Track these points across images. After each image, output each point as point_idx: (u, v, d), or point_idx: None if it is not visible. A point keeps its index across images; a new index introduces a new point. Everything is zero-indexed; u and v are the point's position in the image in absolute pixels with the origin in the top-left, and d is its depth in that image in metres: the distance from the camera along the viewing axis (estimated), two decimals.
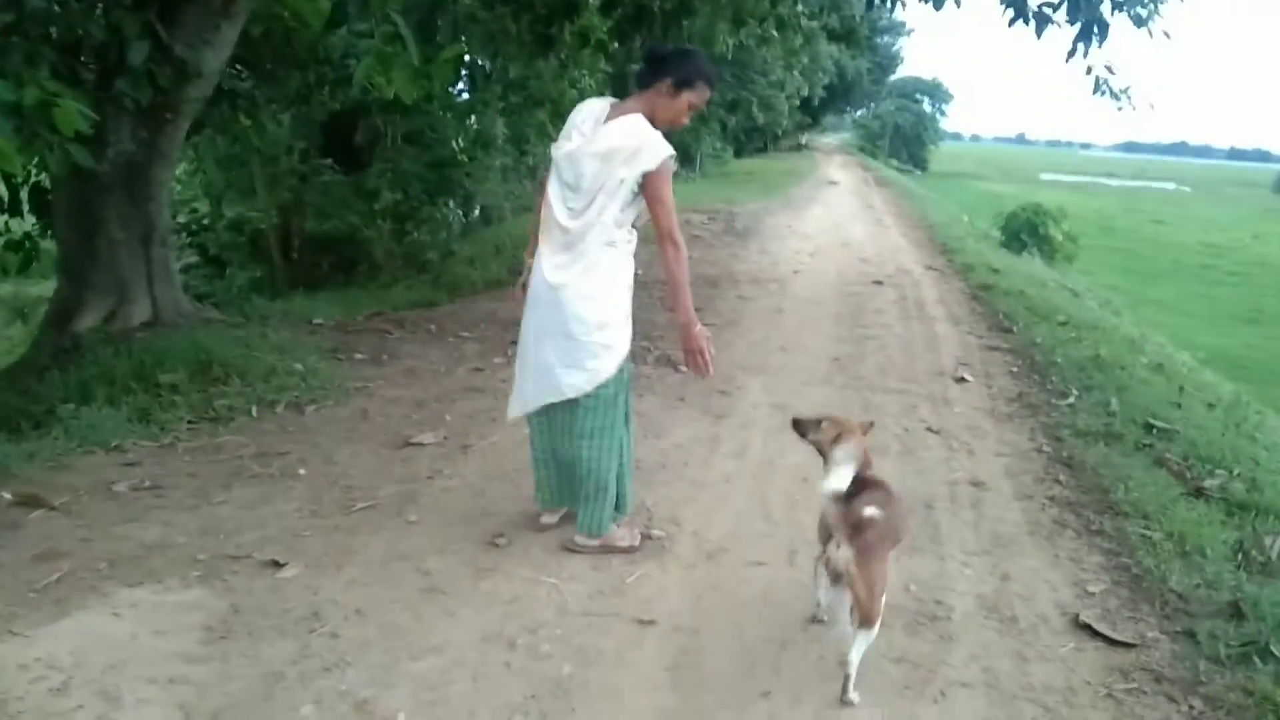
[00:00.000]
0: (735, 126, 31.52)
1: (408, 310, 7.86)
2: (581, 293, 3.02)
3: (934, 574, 3.34)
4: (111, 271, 6.12)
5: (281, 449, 4.18)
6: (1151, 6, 7.39)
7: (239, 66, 8.18)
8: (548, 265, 3.09)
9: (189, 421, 4.51)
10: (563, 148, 3.06)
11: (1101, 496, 4.11)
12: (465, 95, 12.34)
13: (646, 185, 2.98)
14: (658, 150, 2.93)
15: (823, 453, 2.86)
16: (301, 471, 3.91)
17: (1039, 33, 7.70)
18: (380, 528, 3.41)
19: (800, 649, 2.81)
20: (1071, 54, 7.70)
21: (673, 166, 3.02)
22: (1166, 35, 7.42)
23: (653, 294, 8.55)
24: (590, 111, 3.09)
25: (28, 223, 6.60)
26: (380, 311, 7.74)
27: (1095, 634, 2.96)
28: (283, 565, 3.04)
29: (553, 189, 3.09)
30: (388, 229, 12.33)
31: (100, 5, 5.41)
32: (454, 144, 12.44)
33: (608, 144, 2.94)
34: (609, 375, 3.09)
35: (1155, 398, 5.78)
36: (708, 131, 26.74)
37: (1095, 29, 7.55)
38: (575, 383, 3.07)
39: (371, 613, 2.82)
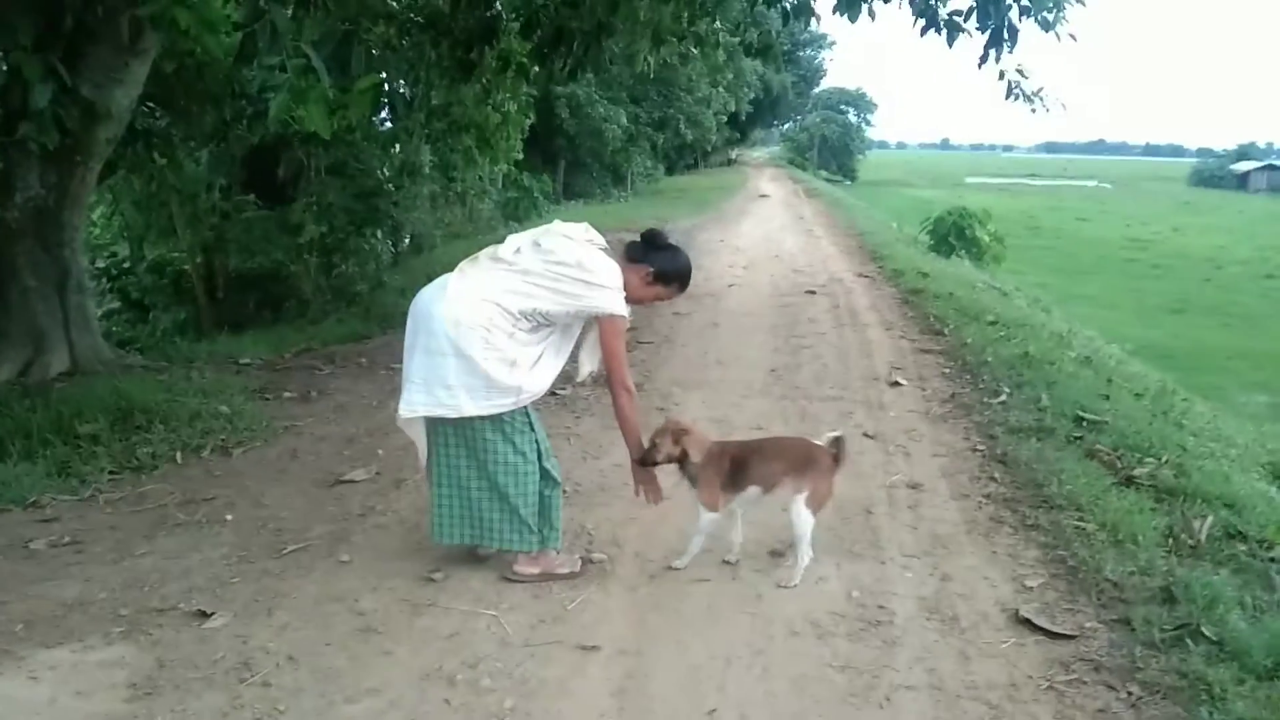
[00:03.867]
0: (665, 144, 31.77)
1: (338, 345, 7.72)
2: (452, 316, 2.98)
3: (875, 579, 3.34)
4: (26, 321, 5.93)
5: (208, 494, 4.05)
6: (1057, 11, 7.57)
7: (151, 105, 8.00)
8: (436, 282, 3.12)
9: (110, 472, 4.36)
10: (561, 229, 3.21)
11: (1036, 491, 4.16)
12: (388, 124, 12.20)
13: (600, 328, 3.17)
14: (611, 302, 3.09)
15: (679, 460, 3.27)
16: (229, 516, 3.79)
17: (950, 41, 7.86)
18: (312, 569, 3.31)
19: (744, 664, 2.78)
20: (984, 60, 7.86)
21: (624, 326, 3.18)
22: (1073, 38, 7.60)
23: None
24: (596, 238, 3.25)
25: None
26: (309, 348, 7.58)
27: (1035, 628, 2.98)
28: (210, 615, 2.93)
29: (519, 236, 3.22)
30: (314, 263, 12.12)
31: None
32: (379, 173, 12.30)
33: (594, 265, 3.08)
34: (449, 414, 3.03)
35: (1084, 391, 5.89)
36: (638, 150, 26.94)
37: (1005, 35, 7.72)
38: (412, 401, 3.03)
39: (304, 658, 2.73)
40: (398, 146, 12.22)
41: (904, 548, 3.62)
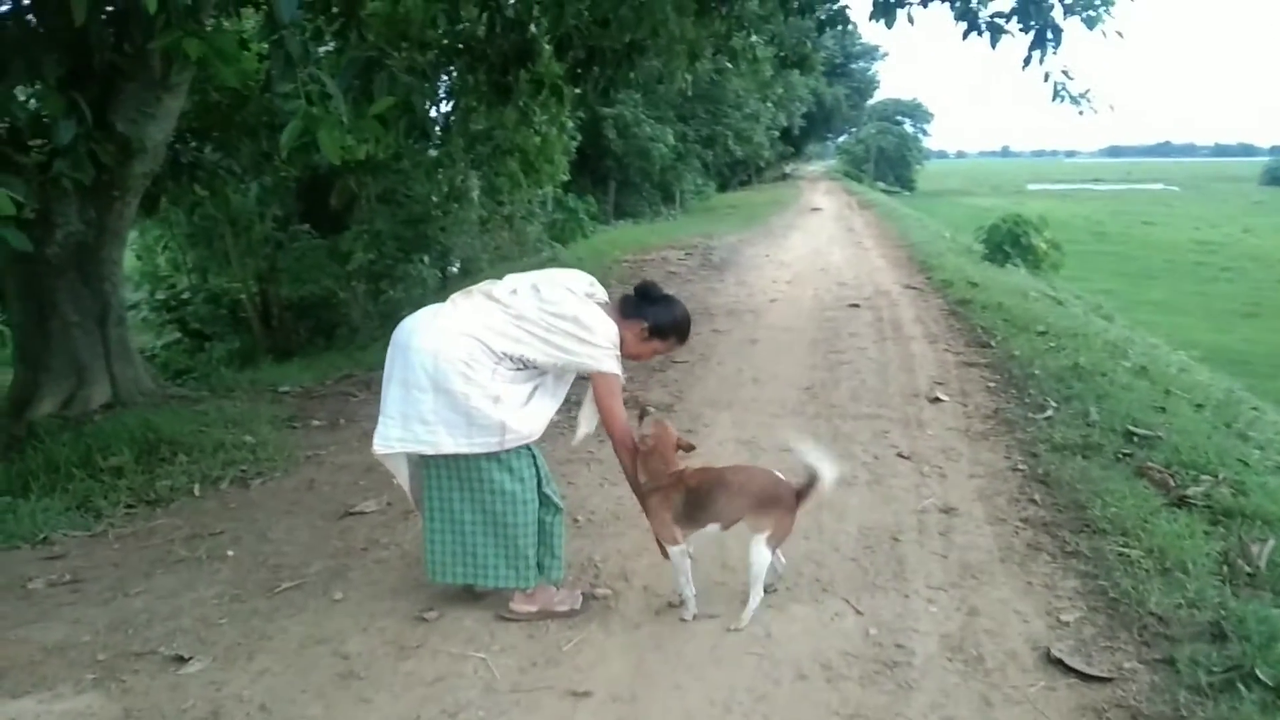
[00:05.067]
0: (715, 161, 31.63)
1: (380, 370, 7.67)
2: (430, 346, 2.85)
3: (896, 614, 3.12)
4: (67, 355, 5.99)
5: (216, 528, 3.99)
6: (1102, 8, 7.29)
7: (189, 138, 8.11)
8: (423, 311, 3.01)
9: (127, 506, 4.34)
10: (566, 282, 3.09)
11: (1078, 514, 3.89)
12: (432, 151, 12.29)
13: (594, 386, 3.05)
14: (603, 360, 2.97)
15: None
16: (230, 552, 3.71)
17: (994, 43, 7.64)
18: (302, 609, 3.20)
19: (743, 711, 2.59)
20: (1027, 62, 7.63)
21: (617, 385, 3.05)
22: (1120, 35, 7.31)
23: None
24: (599, 291, 3.16)
25: None
26: (350, 374, 7.57)
27: (1067, 669, 2.74)
28: (187, 660, 2.83)
29: (517, 276, 3.10)
30: (362, 290, 12.23)
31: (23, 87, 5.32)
32: (428, 200, 12.39)
33: (592, 321, 2.96)
34: (426, 451, 2.91)
35: (1138, 403, 5.57)
36: (687, 168, 26.85)
37: (1049, 35, 7.47)
38: (387, 436, 2.92)
39: (277, 706, 2.61)
40: (441, 172, 12.26)
41: (931, 579, 3.39)
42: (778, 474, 3.10)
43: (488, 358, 2.86)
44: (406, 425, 2.87)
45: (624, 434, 3.06)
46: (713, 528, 3.04)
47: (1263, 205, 54.18)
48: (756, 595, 3.02)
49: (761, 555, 2.96)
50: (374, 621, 3.09)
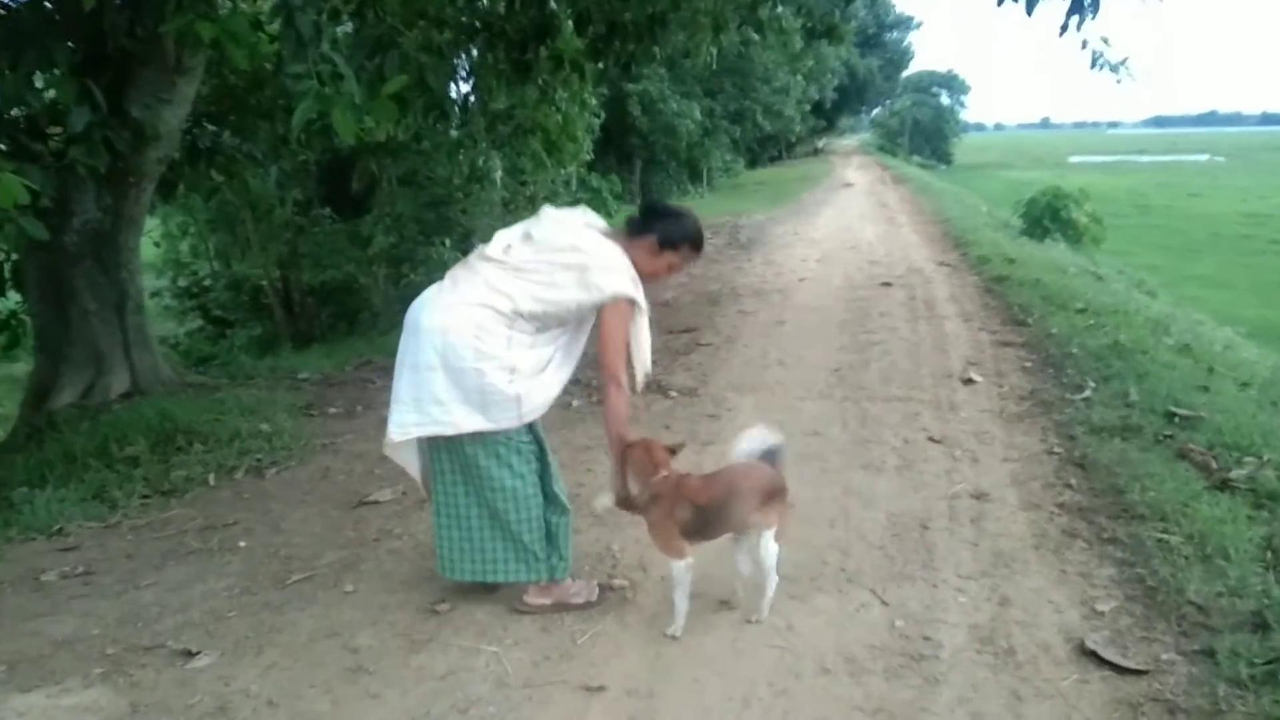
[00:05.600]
0: (744, 137, 31.28)
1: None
2: (439, 324, 2.74)
3: (924, 605, 3.00)
4: (86, 344, 5.97)
5: (229, 519, 3.94)
6: None
7: (207, 123, 8.07)
8: (429, 291, 2.89)
9: (142, 496, 4.31)
10: (553, 214, 2.97)
11: (1116, 499, 3.74)
12: (454, 132, 12.20)
13: (601, 315, 2.84)
14: (615, 282, 2.79)
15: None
16: (242, 544, 3.67)
17: (1029, 10, 7.37)
18: (313, 601, 3.14)
19: (763, 707, 2.49)
20: (1064, 29, 7.36)
21: (640, 311, 2.87)
22: (1160, 0, 7.03)
23: (650, 316, 8.29)
24: (595, 221, 3.02)
25: (12, 300, 6.50)
26: (370, 360, 7.54)
27: (1102, 661, 2.61)
28: (195, 654, 2.78)
29: (507, 230, 2.95)
30: (383, 274, 12.19)
31: (38, 74, 5.27)
32: (450, 181, 12.29)
33: (589, 246, 2.82)
34: (445, 432, 2.79)
35: (1180, 383, 5.36)
36: (715, 145, 26.55)
37: (1086, 1, 7.21)
38: (403, 421, 2.80)
39: (285, 701, 2.54)
40: (462, 153, 12.16)
41: (961, 568, 3.25)
42: (768, 466, 2.93)
43: (499, 324, 2.75)
44: (421, 408, 2.76)
45: (616, 367, 2.82)
46: (726, 537, 2.91)
47: None
48: (772, 584, 2.90)
49: (771, 548, 2.83)
50: (385, 614, 3.02)
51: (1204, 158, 76.10)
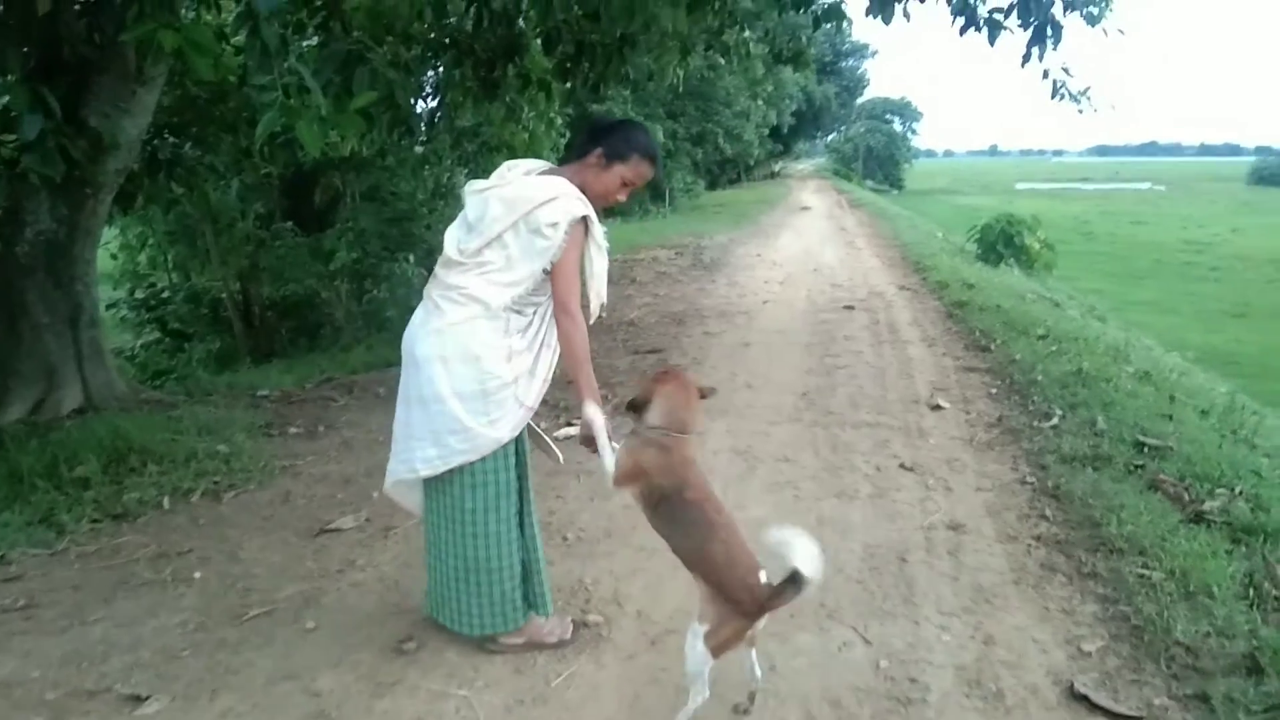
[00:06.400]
0: (705, 159, 31.41)
1: (362, 373, 7.47)
2: (435, 353, 2.63)
3: (908, 644, 2.93)
4: (38, 357, 5.76)
5: (184, 547, 3.76)
6: (1104, 4, 7.13)
7: (168, 134, 7.88)
8: (416, 317, 2.74)
9: (92, 520, 4.09)
10: (476, 185, 2.74)
11: (1093, 531, 3.71)
12: (419, 148, 12.06)
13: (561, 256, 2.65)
14: (569, 210, 2.57)
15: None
16: (197, 574, 3.49)
17: (992, 40, 7.45)
18: (272, 639, 2.98)
19: None
20: (1026, 59, 7.44)
21: (596, 233, 2.68)
22: (1121, 32, 7.15)
23: (615, 336, 8.22)
24: (523, 164, 2.80)
25: None
26: (331, 377, 7.37)
27: (1094, 706, 2.55)
28: (144, 699, 2.60)
29: (452, 227, 2.76)
30: (345, 289, 12.00)
31: None
32: (415, 197, 12.14)
33: (518, 191, 2.60)
34: (470, 458, 2.67)
35: (1145, 411, 5.41)
36: (677, 166, 26.63)
37: (1048, 31, 7.30)
38: (427, 457, 2.67)
39: None
40: (427, 169, 12.03)
41: (942, 604, 3.19)
42: (761, 571, 2.36)
43: (495, 335, 2.63)
44: (440, 441, 2.65)
45: (568, 297, 2.59)
46: (661, 533, 2.51)
47: (1250, 205, 54.41)
48: (693, 699, 2.38)
49: (695, 652, 2.32)
50: (348, 654, 2.87)
51: (1145, 186, 78.13)
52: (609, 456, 2.50)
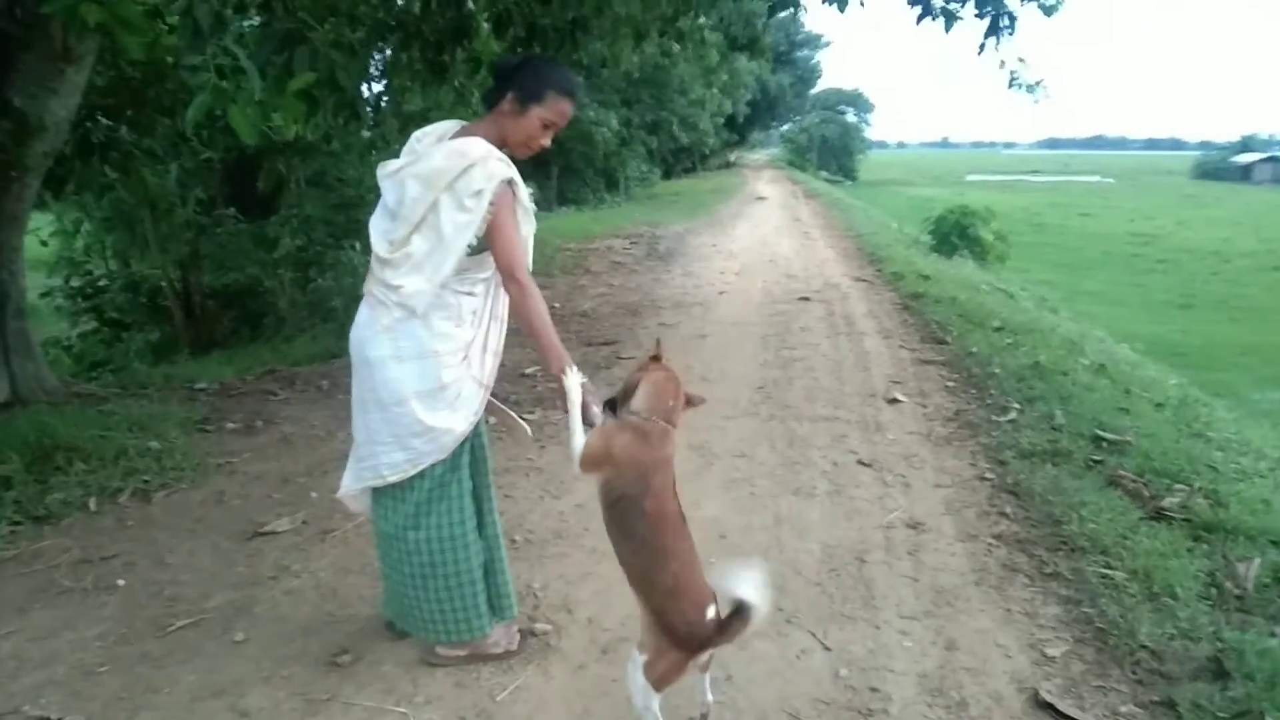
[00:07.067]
0: (660, 148, 31.29)
1: (305, 365, 7.22)
2: (389, 353, 2.46)
3: (868, 650, 2.82)
4: None
5: (109, 551, 3.54)
6: None
7: (102, 116, 7.56)
8: (361, 315, 2.55)
9: (13, 522, 3.84)
10: (389, 167, 2.51)
11: (1054, 529, 3.64)
12: (366, 133, 11.76)
13: (491, 222, 2.40)
14: (491, 173, 2.35)
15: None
16: (121, 581, 3.28)
17: (948, 28, 7.41)
18: (198, 652, 2.79)
19: None
20: (982, 48, 7.42)
21: (522, 196, 2.46)
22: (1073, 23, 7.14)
23: (569, 328, 8.06)
24: (434, 131, 2.55)
25: None
26: (274, 369, 7.12)
27: (1059, 714, 2.47)
28: None
29: (374, 218, 2.54)
30: (289, 277, 11.68)
31: None
32: (362, 183, 11.85)
33: (432, 164, 2.37)
34: (439, 457, 2.52)
35: (1102, 404, 5.38)
36: (631, 154, 26.48)
37: (1004, 21, 7.27)
38: (394, 461, 2.51)
39: None
40: (374, 154, 11.73)
41: (902, 607, 3.10)
42: (712, 602, 2.14)
43: (443, 316, 2.46)
44: (404, 444, 2.49)
45: (514, 264, 2.38)
46: (611, 538, 2.26)
47: (1194, 199, 55.61)
48: None
49: (635, 684, 2.16)
50: (279, 668, 2.69)
51: (1094, 179, 79.62)
52: (579, 435, 2.27)
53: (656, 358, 2.35)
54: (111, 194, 10.34)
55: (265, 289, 12.16)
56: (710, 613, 2.11)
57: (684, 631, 2.09)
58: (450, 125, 2.56)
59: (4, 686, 2.61)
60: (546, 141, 2.58)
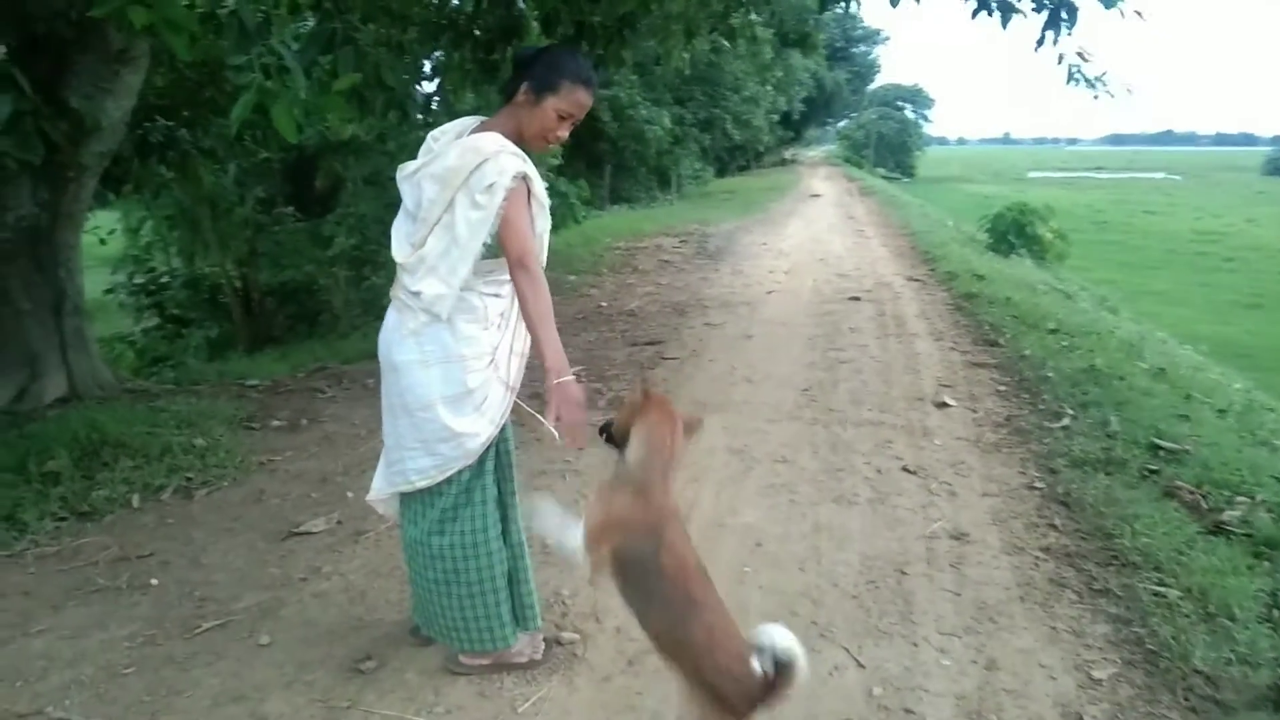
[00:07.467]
0: (714, 145, 31.12)
1: (356, 362, 7.28)
2: (415, 357, 2.42)
3: (904, 668, 2.72)
4: (19, 346, 5.62)
5: (146, 549, 3.58)
6: None
7: (160, 116, 7.69)
8: (389, 319, 2.52)
9: (58, 519, 3.91)
10: (406, 169, 2.47)
11: (1105, 543, 3.50)
12: (420, 132, 11.84)
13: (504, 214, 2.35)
14: (503, 168, 2.30)
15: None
16: (154, 581, 3.30)
17: (1004, 23, 7.21)
18: (223, 655, 2.79)
19: None
20: (1040, 42, 7.21)
21: (537, 190, 2.40)
22: (1139, 15, 6.88)
23: (614, 327, 8.02)
24: (451, 128, 2.50)
25: None
26: (324, 366, 7.20)
27: None
28: None
29: (396, 222, 2.52)
30: (343, 275, 11.83)
31: None
32: None
33: (446, 163, 2.33)
34: (467, 463, 2.49)
35: (1159, 411, 5.18)
36: (684, 153, 26.38)
37: (1063, 14, 7.06)
38: (422, 467, 2.48)
39: None
40: None
41: (942, 623, 2.99)
42: (749, 657, 1.91)
43: (468, 319, 2.43)
44: (431, 450, 2.47)
45: (524, 253, 2.29)
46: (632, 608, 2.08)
47: (1265, 195, 53.84)
48: None
49: None
50: (302, 673, 2.68)
51: (1160, 176, 77.51)
52: (571, 530, 2.09)
53: (646, 395, 2.16)
54: (171, 193, 10.55)
55: (320, 287, 12.34)
56: (755, 665, 1.90)
57: (731, 689, 1.89)
58: (469, 121, 2.51)
59: (31, 686, 2.63)
60: (564, 134, 2.52)
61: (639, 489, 2.05)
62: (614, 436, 2.18)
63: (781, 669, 1.86)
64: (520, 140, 2.44)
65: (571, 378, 2.26)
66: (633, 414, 2.14)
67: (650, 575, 1.99)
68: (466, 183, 2.29)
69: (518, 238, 2.30)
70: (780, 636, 1.87)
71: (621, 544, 2.03)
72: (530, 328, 2.32)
